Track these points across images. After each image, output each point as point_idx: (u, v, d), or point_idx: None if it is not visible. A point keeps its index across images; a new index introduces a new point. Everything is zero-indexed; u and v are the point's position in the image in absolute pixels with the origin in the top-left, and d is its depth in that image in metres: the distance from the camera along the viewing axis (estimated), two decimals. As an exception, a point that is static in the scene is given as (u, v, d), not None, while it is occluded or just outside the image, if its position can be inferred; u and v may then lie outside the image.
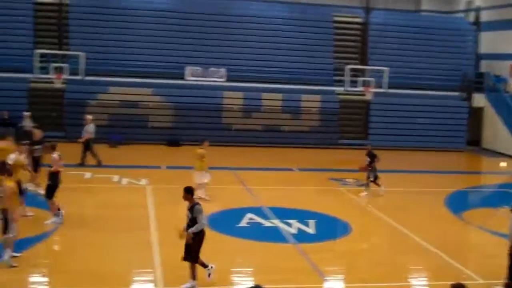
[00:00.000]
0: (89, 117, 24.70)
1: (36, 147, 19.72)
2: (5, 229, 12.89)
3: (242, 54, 33.82)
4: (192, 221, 11.93)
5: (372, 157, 21.20)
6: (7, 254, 12.82)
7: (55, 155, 16.41)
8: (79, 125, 29.88)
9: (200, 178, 19.07)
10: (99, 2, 33.59)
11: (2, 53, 30.91)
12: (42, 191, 18.23)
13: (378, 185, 21.27)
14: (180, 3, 34.80)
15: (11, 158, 15.99)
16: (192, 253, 12.00)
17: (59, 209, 16.05)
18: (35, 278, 12.72)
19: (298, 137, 32.48)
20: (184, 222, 12.18)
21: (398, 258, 14.90)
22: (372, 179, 21.17)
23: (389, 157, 31.22)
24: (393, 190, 22.76)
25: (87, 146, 23.99)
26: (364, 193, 21.22)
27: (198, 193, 19.07)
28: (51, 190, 16.11)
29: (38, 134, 20.39)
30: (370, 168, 21.18)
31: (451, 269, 14.10)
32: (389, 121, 33.96)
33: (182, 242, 14.63)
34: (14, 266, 12.69)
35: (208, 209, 18.10)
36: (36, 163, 19.51)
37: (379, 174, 21.39)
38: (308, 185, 22.96)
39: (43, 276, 12.93)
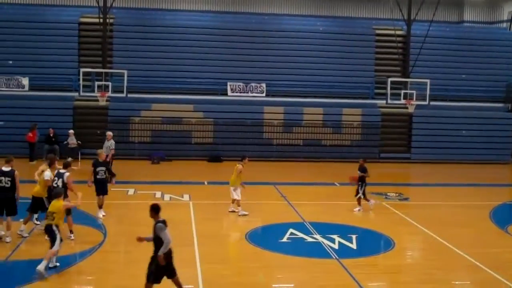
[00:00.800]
0: (110, 133, 24.69)
1: (100, 168, 18.40)
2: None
3: (283, 69, 33.95)
4: (155, 240, 11.43)
5: (364, 171, 20.45)
6: (43, 264, 12.97)
7: (48, 171, 15.96)
8: (122, 142, 30.58)
9: (237, 194, 19.13)
10: (142, 21, 34.20)
11: (47, 72, 31.74)
12: (103, 213, 18.40)
13: (367, 200, 20.61)
14: (220, 20, 35.18)
15: (47, 175, 15.81)
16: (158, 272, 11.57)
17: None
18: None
19: (339, 151, 32.34)
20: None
21: (443, 273, 14.63)
22: (361, 194, 20.36)
23: (432, 171, 30.98)
24: (436, 204, 22.49)
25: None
26: (357, 209, 20.51)
27: (239, 209, 19.14)
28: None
29: (102, 155, 19.12)
30: (360, 183, 20.35)
31: (498, 284, 13.80)
32: (432, 133, 33.55)
33: (223, 259, 14.74)
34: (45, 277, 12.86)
35: (250, 224, 18.22)
36: (101, 185, 18.33)
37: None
38: (350, 200, 22.71)
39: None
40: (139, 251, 15.24)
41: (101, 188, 18.31)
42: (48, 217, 13.41)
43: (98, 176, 18.30)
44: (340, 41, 35.01)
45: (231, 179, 19.32)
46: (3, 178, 15.31)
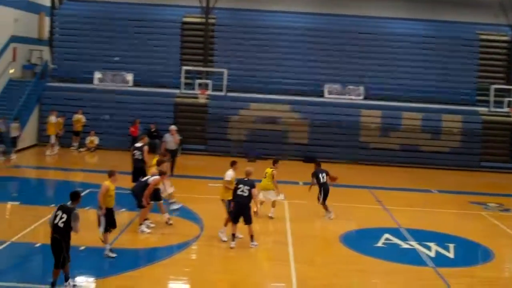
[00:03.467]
0: (175, 128, 25.35)
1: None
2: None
3: (381, 72, 33.53)
4: None
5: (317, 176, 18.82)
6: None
7: (230, 171, 16.45)
8: (220, 139, 31.23)
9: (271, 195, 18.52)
10: (242, 21, 34.69)
11: (151, 69, 32.79)
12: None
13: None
14: (319, 22, 35.12)
15: (228, 175, 16.15)
16: None
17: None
18: (175, 286, 13.32)
19: (438, 158, 31.55)
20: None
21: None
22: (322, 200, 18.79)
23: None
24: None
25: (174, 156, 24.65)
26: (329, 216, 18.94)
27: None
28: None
29: (251, 173, 16.32)
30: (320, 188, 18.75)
31: None
32: (536, 143, 32.16)
33: (318, 260, 14.81)
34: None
35: (344, 227, 18.16)
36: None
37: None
38: (448, 208, 22.26)
39: (184, 284, 13.50)
40: (236, 246, 15.52)
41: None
42: None
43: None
44: (441, 45, 34.14)
45: (264, 183, 18.50)
46: (136, 151, 19.59)
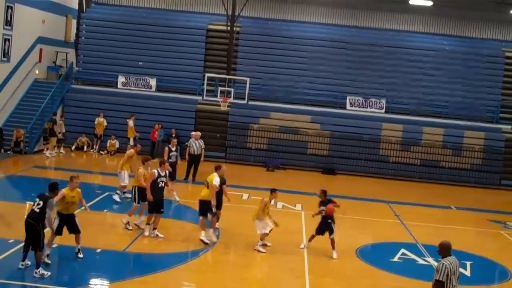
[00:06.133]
0: (199, 133, 25.66)
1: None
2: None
3: (404, 86, 33.44)
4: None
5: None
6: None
7: (217, 177, 16.10)
8: (240, 147, 31.28)
9: (261, 228, 16.14)
10: (267, 31, 34.82)
11: (174, 75, 33.03)
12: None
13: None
14: (343, 34, 35.14)
15: (216, 180, 15.92)
16: None
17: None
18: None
19: (458, 175, 31.27)
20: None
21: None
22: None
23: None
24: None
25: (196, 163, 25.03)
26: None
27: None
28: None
29: None
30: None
31: None
32: (559, 164, 31.78)
33: (333, 273, 14.74)
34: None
35: (361, 240, 18.09)
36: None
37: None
38: (466, 225, 22.07)
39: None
40: (248, 256, 15.53)
41: None
42: None
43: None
44: (466, 61, 34.00)
45: (255, 213, 16.40)
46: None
